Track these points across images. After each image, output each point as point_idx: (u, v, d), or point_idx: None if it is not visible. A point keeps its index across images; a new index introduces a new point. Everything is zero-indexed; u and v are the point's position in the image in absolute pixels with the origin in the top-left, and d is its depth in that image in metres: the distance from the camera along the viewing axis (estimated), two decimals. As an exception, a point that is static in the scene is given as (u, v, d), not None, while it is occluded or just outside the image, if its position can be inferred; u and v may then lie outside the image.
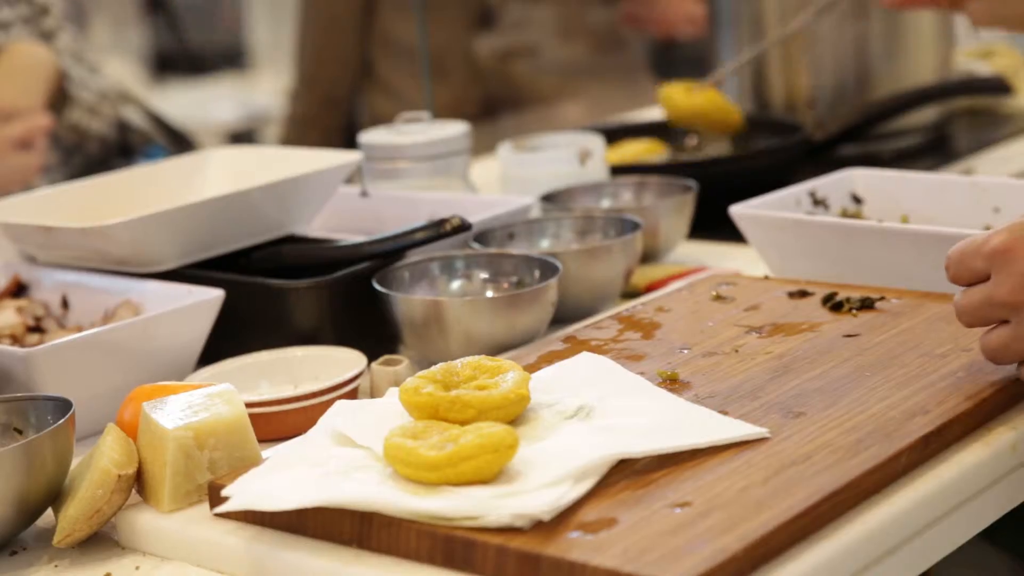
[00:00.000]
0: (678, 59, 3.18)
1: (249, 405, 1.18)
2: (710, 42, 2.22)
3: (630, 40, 2.97)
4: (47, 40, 2.12)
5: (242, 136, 5.15)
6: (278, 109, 5.35)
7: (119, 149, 2.18)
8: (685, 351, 1.20)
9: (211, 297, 1.30)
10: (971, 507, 1.03)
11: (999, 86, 2.16)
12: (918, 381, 1.10)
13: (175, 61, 5.96)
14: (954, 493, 1.01)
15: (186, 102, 5.25)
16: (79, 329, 1.36)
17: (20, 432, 1.10)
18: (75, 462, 1.08)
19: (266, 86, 5.59)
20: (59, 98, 2.05)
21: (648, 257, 1.58)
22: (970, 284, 1.07)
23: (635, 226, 1.47)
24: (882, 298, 1.27)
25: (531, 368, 1.18)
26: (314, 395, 1.20)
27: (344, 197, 1.65)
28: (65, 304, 1.42)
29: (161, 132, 2.22)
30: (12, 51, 1.99)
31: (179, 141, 2.24)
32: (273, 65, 5.81)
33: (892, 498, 0.97)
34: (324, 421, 1.08)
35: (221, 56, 5.93)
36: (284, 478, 1.01)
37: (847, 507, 0.95)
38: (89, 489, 1.03)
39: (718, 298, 1.32)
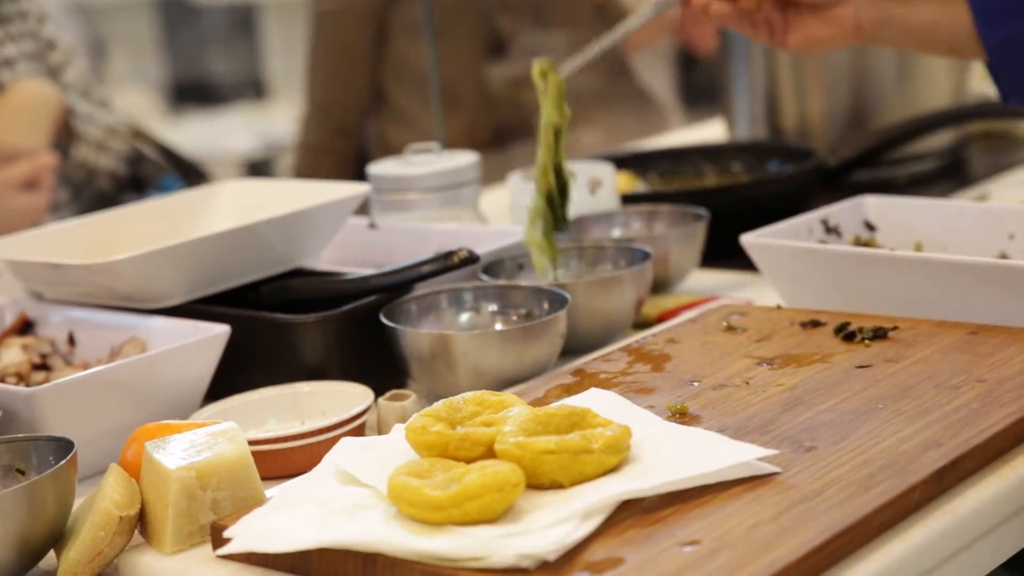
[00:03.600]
0: (691, 86, 3.17)
1: (254, 443, 1.17)
2: (723, 68, 2.21)
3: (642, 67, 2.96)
4: (54, 75, 2.11)
5: (258, 165, 5.16)
6: (294, 138, 5.37)
7: (131, 183, 2.17)
8: (695, 384, 1.18)
9: (216, 333, 1.29)
10: (987, 542, 1.01)
11: (1014, 109, 2.15)
12: (931, 413, 1.08)
13: (192, 91, 5.98)
14: (969, 528, 0.99)
15: (203, 132, 5.27)
16: (85, 366, 1.35)
17: (23, 473, 1.09)
18: (78, 502, 1.07)
19: (282, 115, 5.60)
20: (65, 135, 2.05)
21: (659, 287, 1.56)
22: None
23: (646, 256, 1.46)
24: (895, 328, 1.25)
25: (539, 402, 1.17)
26: (320, 432, 1.19)
27: (353, 229, 1.64)
28: (72, 341, 1.41)
29: (173, 165, 2.21)
30: (16, 89, 1.98)
31: (192, 174, 2.23)
32: (289, 94, 5.82)
33: (905, 534, 0.96)
34: (328, 459, 1.07)
35: (237, 85, 5.95)
36: (287, 518, 1.00)
37: (859, 544, 0.94)
38: (91, 531, 1.02)
39: (729, 329, 1.30)
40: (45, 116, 1.97)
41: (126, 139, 2.14)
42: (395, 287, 1.37)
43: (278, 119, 5.55)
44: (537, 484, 0.99)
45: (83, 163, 2.07)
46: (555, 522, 0.94)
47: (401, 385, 1.35)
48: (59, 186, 2.07)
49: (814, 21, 1.44)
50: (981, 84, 2.31)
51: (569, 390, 1.19)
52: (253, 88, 5.97)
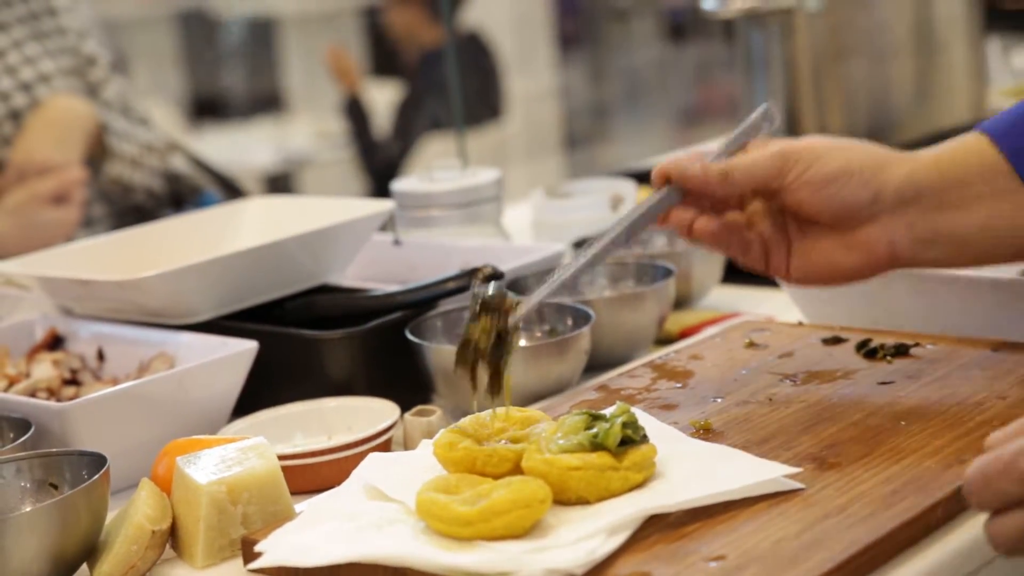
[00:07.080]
0: (712, 100, 3.19)
1: (283, 457, 1.18)
2: (743, 85, 2.22)
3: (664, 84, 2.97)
4: (94, 91, 2.12)
5: (278, 180, 5.18)
6: (314, 152, 5.39)
7: (169, 199, 2.18)
8: (718, 400, 1.19)
9: (245, 349, 1.30)
10: (1010, 560, 1.01)
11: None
12: (954, 430, 1.09)
13: (212, 106, 6.01)
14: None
15: (223, 146, 5.30)
16: (115, 381, 1.36)
17: (56, 487, 1.10)
18: (110, 516, 1.08)
19: (302, 129, 5.63)
20: (98, 152, 2.06)
21: (681, 303, 1.57)
22: (1001, 510, 0.89)
23: (668, 272, 1.47)
24: (917, 344, 1.26)
25: (564, 418, 1.17)
26: (347, 447, 1.20)
27: (377, 245, 1.65)
28: (101, 356, 1.42)
29: (211, 181, 2.23)
30: (49, 105, 2.00)
31: (230, 190, 2.24)
32: (309, 109, 5.85)
33: (928, 550, 0.96)
34: (357, 474, 1.08)
35: (257, 100, 5.98)
36: (317, 533, 1.01)
37: (882, 560, 0.94)
38: (123, 545, 1.03)
39: (751, 345, 1.31)
40: (77, 132, 1.99)
41: (163, 156, 2.16)
42: (420, 303, 1.39)
43: (298, 134, 5.58)
44: (563, 500, 1.00)
45: (117, 179, 2.08)
46: (582, 537, 0.95)
47: (426, 400, 1.37)
48: (94, 202, 2.09)
49: (830, 245, 1.17)
50: (1001, 99, 2.32)
51: (593, 406, 1.20)
52: (273, 103, 6.00)
